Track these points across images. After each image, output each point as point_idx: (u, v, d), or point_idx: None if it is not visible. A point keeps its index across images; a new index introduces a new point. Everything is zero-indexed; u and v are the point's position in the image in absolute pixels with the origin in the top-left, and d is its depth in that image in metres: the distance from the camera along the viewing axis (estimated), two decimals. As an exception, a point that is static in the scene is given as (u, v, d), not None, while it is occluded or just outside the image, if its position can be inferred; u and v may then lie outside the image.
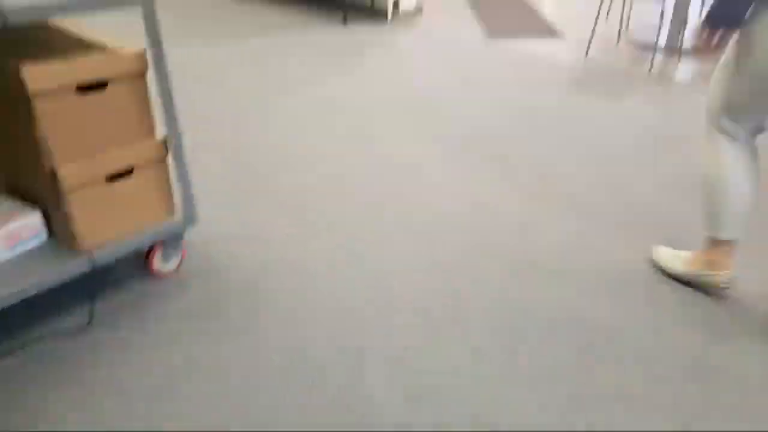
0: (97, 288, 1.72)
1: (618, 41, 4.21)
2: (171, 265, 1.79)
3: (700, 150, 1.73)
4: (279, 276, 1.79)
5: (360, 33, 4.35)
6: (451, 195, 2.26)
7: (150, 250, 1.73)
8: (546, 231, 2.06)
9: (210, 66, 3.55)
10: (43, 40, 1.48)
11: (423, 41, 4.18)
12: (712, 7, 1.51)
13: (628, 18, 4.44)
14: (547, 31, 4.48)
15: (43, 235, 1.59)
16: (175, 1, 5.13)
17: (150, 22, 1.41)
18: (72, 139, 1.40)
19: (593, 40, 3.96)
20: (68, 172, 1.41)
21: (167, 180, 1.65)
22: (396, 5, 4.76)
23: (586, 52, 3.92)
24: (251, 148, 2.57)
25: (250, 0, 5.22)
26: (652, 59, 3.77)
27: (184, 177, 1.66)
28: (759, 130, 1.62)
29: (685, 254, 1.83)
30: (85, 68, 1.35)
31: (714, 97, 1.64)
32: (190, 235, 1.96)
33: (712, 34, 1.53)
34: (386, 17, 4.72)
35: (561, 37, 4.33)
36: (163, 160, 1.61)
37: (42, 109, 1.32)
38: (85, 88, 1.39)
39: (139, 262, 1.83)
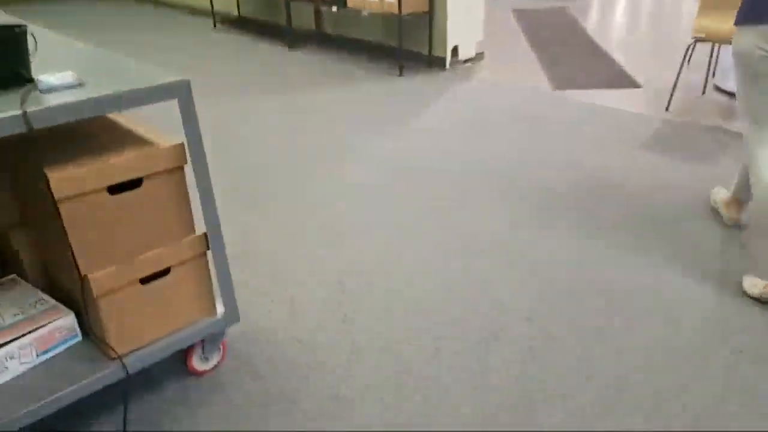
0: (132, 388, 1.62)
1: (704, 91, 3.92)
2: (210, 363, 1.68)
3: (752, 179, 2.01)
4: (319, 382, 1.64)
5: (417, 84, 4.28)
6: (519, 283, 2.07)
7: (188, 349, 1.63)
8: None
9: (259, 120, 3.54)
10: (79, 131, 1.43)
11: (483, 93, 4.05)
12: None
13: (716, 63, 4.13)
14: (621, 80, 4.26)
15: (78, 336, 1.51)
16: (228, 51, 5.26)
17: (187, 114, 1.33)
18: (104, 243, 1.33)
19: (675, 91, 3.70)
20: (99, 278, 1.34)
21: (207, 276, 1.55)
22: (455, 53, 4.68)
23: (668, 105, 3.66)
24: (297, 225, 2.47)
25: (305, 51, 5.29)
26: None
27: (224, 273, 1.56)
28: None
29: (724, 196, 2.38)
30: (117, 168, 1.28)
31: (742, 118, 2.03)
32: (231, 329, 1.85)
33: None
34: (444, 66, 4.64)
35: (638, 87, 4.10)
36: (202, 257, 1.52)
37: (70, 214, 1.25)
38: (118, 188, 1.31)
39: (177, 357, 1.73)
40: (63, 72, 1.29)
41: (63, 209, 1.24)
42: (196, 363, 1.65)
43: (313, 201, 2.63)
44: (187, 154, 1.38)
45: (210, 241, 1.50)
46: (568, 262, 2.15)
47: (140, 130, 1.46)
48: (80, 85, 1.27)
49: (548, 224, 2.40)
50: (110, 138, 1.39)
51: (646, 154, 3.01)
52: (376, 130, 3.42)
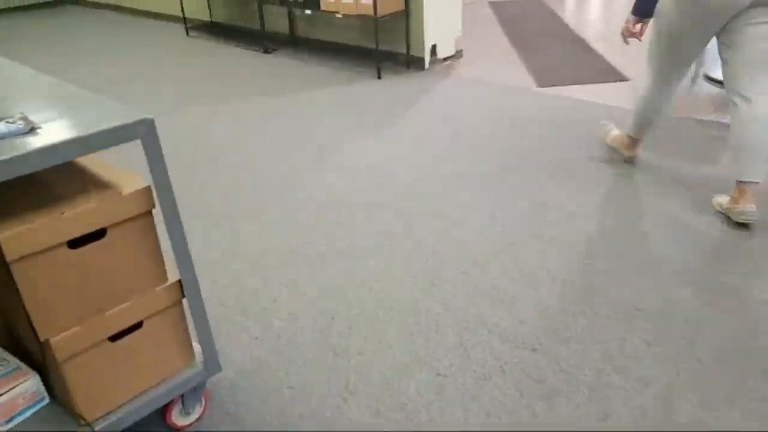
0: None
1: (693, 81, 3.87)
2: (192, 417, 1.57)
3: (641, 83, 2.60)
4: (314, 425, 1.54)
5: (395, 86, 4.18)
6: (512, 298, 1.98)
7: (168, 404, 1.51)
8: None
9: (234, 129, 3.40)
10: (30, 178, 1.31)
11: (465, 93, 3.96)
12: (635, 4, 2.36)
13: (704, 53, 4.06)
14: (607, 74, 4.19)
15: (44, 399, 1.39)
16: (202, 57, 5.10)
17: (152, 154, 1.22)
18: (66, 302, 1.21)
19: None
20: (62, 341, 1.22)
21: (183, 326, 1.44)
22: (434, 52, 4.58)
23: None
24: (276, 248, 2.36)
25: (281, 55, 5.15)
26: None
27: (201, 322, 1.44)
28: (683, 77, 2.46)
29: (618, 134, 2.91)
30: (76, 220, 1.17)
31: (649, 60, 2.49)
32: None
33: (636, 23, 2.38)
34: (423, 66, 4.54)
35: (625, 80, 4.04)
36: (176, 306, 1.41)
37: (25, 276, 1.13)
38: (80, 240, 1.20)
39: (156, 409, 1.61)
40: (12, 116, 1.17)
41: (16, 271, 1.12)
42: (177, 418, 1.54)
43: (292, 219, 2.52)
44: (155, 197, 1.27)
45: (185, 288, 1.38)
46: (572, 280, 2.07)
47: (101, 171, 1.34)
48: (32, 130, 1.14)
49: (544, 239, 2.32)
50: (67, 184, 1.27)
51: (645, 155, 2.94)
52: (356, 137, 3.31)
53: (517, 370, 1.69)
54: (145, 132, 1.19)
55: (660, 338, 1.78)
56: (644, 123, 2.63)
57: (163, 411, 1.52)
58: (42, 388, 1.38)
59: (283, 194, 2.75)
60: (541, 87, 3.99)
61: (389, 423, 1.54)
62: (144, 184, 1.26)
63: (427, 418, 1.56)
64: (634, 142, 2.77)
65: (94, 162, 1.39)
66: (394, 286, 2.07)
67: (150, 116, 1.19)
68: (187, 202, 2.67)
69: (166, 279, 1.37)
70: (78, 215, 1.17)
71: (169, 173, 2.85)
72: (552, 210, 2.49)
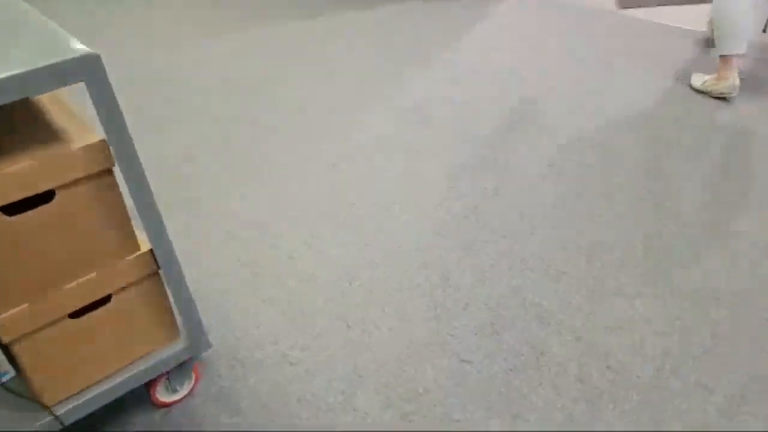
0: (93, 417, 1.40)
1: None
2: (181, 392, 1.43)
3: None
4: (313, 420, 1.37)
5: (449, 6, 3.77)
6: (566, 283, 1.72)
7: (151, 380, 1.38)
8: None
9: (260, 56, 3.15)
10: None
11: (531, 16, 3.52)
12: None
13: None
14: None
15: (9, 372, 1.28)
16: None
17: (102, 101, 1.00)
18: (9, 276, 1.05)
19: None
20: (7, 321, 1.07)
21: (161, 300, 1.27)
22: (500, -36, 4.09)
23: (765, 26, 3.07)
24: (297, 202, 2.15)
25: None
26: None
27: (183, 296, 1.27)
28: None
29: (706, 77, 2.53)
30: (9, 183, 0.98)
31: None
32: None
33: None
34: (488, -18, 4.07)
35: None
36: (151, 277, 1.23)
37: (-51, 250, 0.97)
38: (21, 205, 1.02)
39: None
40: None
41: (-64, 244, 0.96)
42: (162, 395, 1.40)
43: (319, 168, 2.29)
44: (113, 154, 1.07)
45: (158, 259, 1.20)
46: (635, 254, 1.78)
47: (60, 115, 1.14)
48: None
49: (606, 199, 2.01)
50: (10, 132, 1.08)
51: (745, 99, 2.51)
52: (399, 71, 3.00)
53: (555, 363, 1.46)
54: (91, 72, 0.97)
55: (737, 333, 1.49)
56: (726, 31, 2.31)
57: (147, 386, 1.39)
58: (5, 360, 1.26)
59: (313, 138, 2.52)
60: (624, 8, 3.50)
61: (399, 415, 1.36)
62: (96, 138, 1.05)
63: (442, 413, 1.36)
64: (725, 65, 2.40)
65: (59, 105, 1.19)
66: (425, 250, 1.84)
67: (95, 52, 0.97)
68: (198, 143, 2.49)
69: (137, 248, 1.19)
70: (10, 176, 0.98)
71: (193, 119, 2.65)
72: (623, 161, 2.16)
